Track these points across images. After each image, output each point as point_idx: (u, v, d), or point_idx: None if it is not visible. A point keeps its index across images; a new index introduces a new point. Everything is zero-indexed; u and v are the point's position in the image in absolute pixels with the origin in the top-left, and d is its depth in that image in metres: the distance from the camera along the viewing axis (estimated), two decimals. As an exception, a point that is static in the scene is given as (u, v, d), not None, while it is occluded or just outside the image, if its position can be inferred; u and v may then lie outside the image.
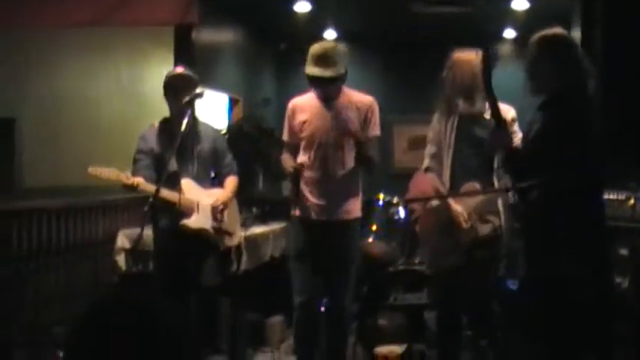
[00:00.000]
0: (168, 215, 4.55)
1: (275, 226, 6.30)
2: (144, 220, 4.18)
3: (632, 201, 4.30)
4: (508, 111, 4.28)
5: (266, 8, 8.01)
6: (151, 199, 4.16)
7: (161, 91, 4.63)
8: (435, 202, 4.59)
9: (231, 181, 4.87)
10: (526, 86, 3.55)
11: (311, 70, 4.43)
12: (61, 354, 4.56)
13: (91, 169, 4.36)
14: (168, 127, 4.62)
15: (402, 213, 5.63)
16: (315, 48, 4.46)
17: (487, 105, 4.27)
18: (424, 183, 5.83)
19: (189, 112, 4.44)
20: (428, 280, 5.29)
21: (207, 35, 7.41)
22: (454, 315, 4.59)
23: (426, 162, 4.62)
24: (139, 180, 4.37)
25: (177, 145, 4.37)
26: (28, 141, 7.63)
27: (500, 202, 4.38)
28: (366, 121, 4.56)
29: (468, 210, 4.38)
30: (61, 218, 5.40)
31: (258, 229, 5.93)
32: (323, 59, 4.40)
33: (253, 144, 6.94)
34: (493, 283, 4.42)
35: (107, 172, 4.36)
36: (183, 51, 6.39)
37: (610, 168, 3.61)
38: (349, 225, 4.62)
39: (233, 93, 8.26)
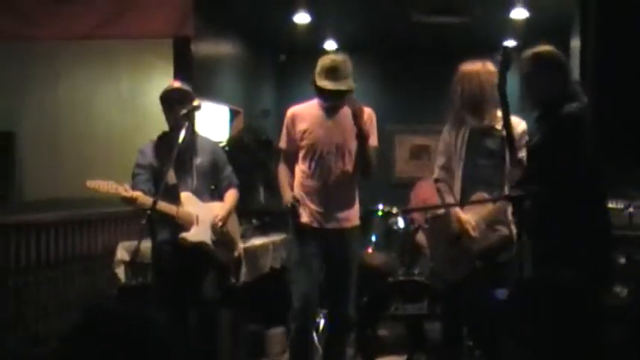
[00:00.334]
0: (167, 228, 4.56)
1: (275, 237, 6.29)
2: (141, 232, 4.18)
3: (630, 209, 4.30)
4: (519, 124, 4.28)
5: (265, 20, 8.04)
6: (148, 212, 4.17)
7: (161, 103, 4.66)
8: (442, 212, 4.61)
9: (230, 195, 4.87)
10: (523, 102, 3.62)
11: (323, 83, 4.43)
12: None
13: (89, 183, 4.37)
14: (166, 140, 4.63)
15: (401, 223, 5.62)
16: (325, 61, 4.47)
17: (496, 117, 4.31)
18: (425, 192, 5.86)
19: (186, 125, 4.44)
20: (428, 290, 5.28)
21: (207, 47, 7.43)
22: (459, 326, 4.59)
23: (436, 173, 4.65)
24: (137, 194, 4.38)
25: (174, 157, 4.38)
26: (27, 154, 7.64)
27: (510, 212, 4.37)
28: (366, 131, 4.54)
29: (476, 219, 4.38)
30: (59, 231, 5.42)
31: (257, 241, 5.92)
32: (334, 72, 4.42)
33: (253, 155, 6.94)
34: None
35: (105, 186, 4.37)
36: (183, 63, 6.41)
37: (608, 179, 3.62)
38: (349, 233, 4.63)
39: (233, 105, 8.27)
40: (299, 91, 8.88)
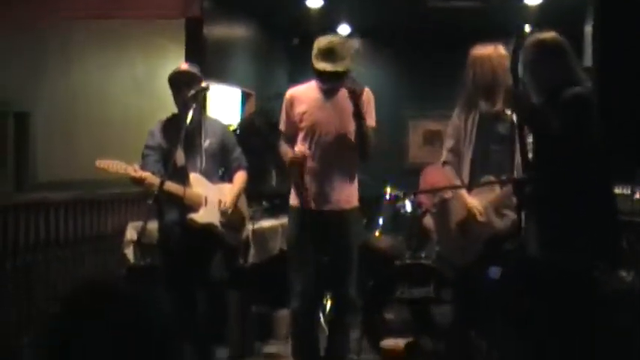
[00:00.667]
0: (176, 209, 4.59)
1: (285, 219, 6.27)
2: (148, 212, 4.21)
3: (637, 195, 4.29)
4: None
5: (278, 3, 8.03)
6: (155, 192, 4.20)
7: (176, 86, 4.68)
8: (451, 198, 4.61)
9: (240, 176, 4.89)
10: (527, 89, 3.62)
11: (321, 65, 4.40)
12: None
13: (99, 162, 4.41)
14: (175, 122, 4.66)
15: (408, 207, 5.62)
16: (321, 42, 4.43)
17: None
18: (433, 177, 5.85)
19: (194, 106, 4.46)
20: (434, 274, 5.28)
21: (220, 30, 7.44)
22: (467, 310, 4.60)
23: (444, 155, 4.64)
24: (146, 174, 4.41)
25: (182, 139, 4.41)
26: (42, 135, 7.70)
27: None
28: (364, 112, 4.54)
29: (484, 204, 4.39)
30: (69, 211, 5.46)
31: (267, 223, 5.94)
32: (331, 53, 4.38)
33: (264, 138, 6.95)
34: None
35: (115, 166, 4.40)
36: (194, 46, 6.42)
37: (615, 163, 3.62)
38: (349, 214, 4.63)
39: (246, 87, 8.28)
40: (311, 75, 8.90)
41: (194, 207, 4.60)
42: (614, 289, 4.02)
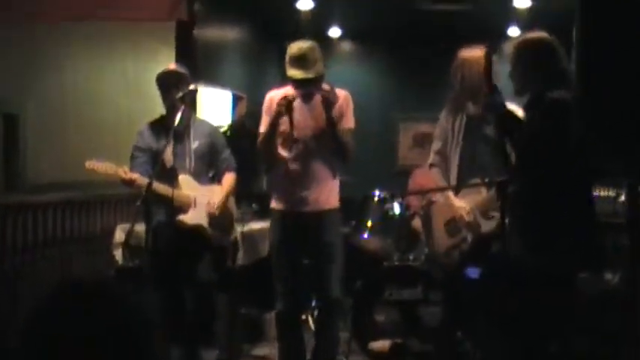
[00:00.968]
0: (164, 211, 4.60)
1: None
2: (136, 214, 4.22)
3: (621, 198, 4.31)
4: (517, 111, 4.28)
5: (269, 5, 8.05)
6: (144, 194, 4.21)
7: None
8: (438, 200, 4.63)
9: (229, 178, 4.90)
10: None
11: (291, 72, 4.40)
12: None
13: (88, 164, 4.42)
14: (164, 123, 4.68)
15: (397, 208, 5.64)
16: (292, 49, 4.43)
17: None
18: (422, 179, 5.88)
19: (182, 108, 4.48)
20: (423, 276, 5.31)
21: (211, 32, 7.45)
22: (456, 312, 4.62)
23: (431, 158, 4.67)
24: (135, 175, 4.42)
25: (170, 140, 4.42)
26: (32, 136, 7.70)
27: None
28: (341, 114, 4.56)
29: (471, 205, 4.41)
30: (57, 212, 5.47)
31: (256, 225, 5.94)
32: (302, 60, 4.37)
33: (254, 141, 6.95)
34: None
35: (104, 167, 4.41)
36: (185, 48, 6.42)
37: (598, 166, 3.63)
38: (330, 215, 4.63)
39: (237, 90, 8.29)
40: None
41: (183, 208, 4.61)
42: (599, 291, 4.05)
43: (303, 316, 5.48)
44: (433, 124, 4.83)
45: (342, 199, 4.73)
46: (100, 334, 1.59)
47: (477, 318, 4.13)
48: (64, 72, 7.82)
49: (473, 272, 4.08)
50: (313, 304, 5.60)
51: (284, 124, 4.55)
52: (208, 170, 4.89)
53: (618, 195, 4.43)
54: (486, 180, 4.23)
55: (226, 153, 4.96)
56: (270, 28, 9.11)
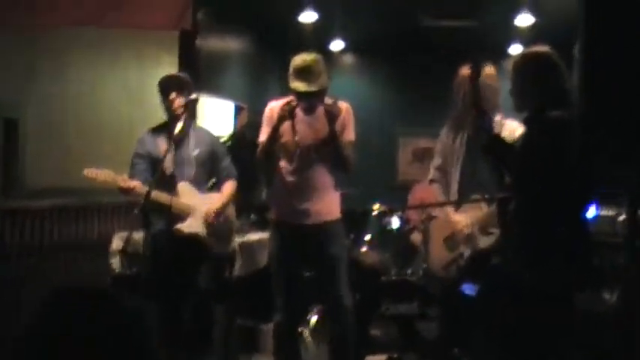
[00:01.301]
0: (163, 219, 4.59)
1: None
2: (134, 222, 4.21)
3: (621, 217, 4.31)
4: (517, 129, 4.27)
5: (273, 17, 8.06)
6: (142, 202, 4.20)
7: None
8: (437, 215, 4.63)
9: (228, 186, 4.89)
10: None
11: (295, 84, 4.41)
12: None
13: (87, 172, 4.40)
14: (164, 130, 4.67)
15: (395, 223, 5.63)
16: (296, 61, 4.44)
17: (498, 121, 4.34)
18: (422, 194, 5.88)
19: (184, 116, 4.48)
20: (420, 291, 5.30)
21: (214, 42, 7.46)
22: (454, 327, 4.61)
23: (431, 173, 4.68)
24: (135, 183, 4.41)
25: (171, 148, 4.42)
26: (32, 142, 7.68)
27: None
28: (342, 127, 4.56)
29: (470, 221, 4.41)
30: (54, 219, 5.47)
31: (254, 236, 5.94)
32: (306, 73, 4.38)
33: (255, 151, 6.95)
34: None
35: (103, 175, 4.40)
36: (187, 57, 6.43)
37: (597, 185, 3.62)
38: (330, 226, 4.63)
39: (238, 100, 8.30)
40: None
41: (181, 216, 4.60)
42: (597, 310, 4.04)
43: (300, 329, 5.46)
44: (433, 139, 4.84)
45: (341, 213, 4.72)
46: (98, 340, 1.58)
47: (474, 334, 4.12)
48: (66, 78, 7.81)
49: (469, 289, 4.07)
50: (309, 317, 5.58)
51: (286, 135, 4.54)
52: (208, 178, 4.88)
53: (618, 214, 4.43)
54: (487, 196, 4.23)
55: (227, 161, 4.96)
56: (273, 40, 9.13)
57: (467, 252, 4.41)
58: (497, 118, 4.41)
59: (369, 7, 7.81)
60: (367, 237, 5.72)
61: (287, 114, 4.44)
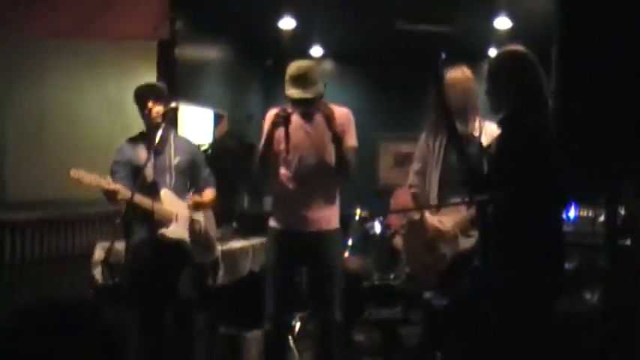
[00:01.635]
0: (146, 227, 4.57)
1: (255, 240, 6.30)
2: (115, 232, 4.20)
3: (601, 218, 4.34)
4: (496, 130, 4.28)
5: (251, 24, 8.07)
6: (124, 209, 4.18)
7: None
8: (416, 218, 4.64)
9: (208, 192, 4.90)
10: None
11: (290, 92, 4.39)
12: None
13: (73, 172, 4.38)
14: (143, 139, 4.66)
15: (377, 228, 5.65)
16: (291, 68, 4.42)
17: (477, 124, 4.36)
18: (404, 199, 5.90)
19: (163, 125, 4.47)
20: (402, 295, 5.32)
21: (193, 51, 7.46)
22: (436, 331, 4.62)
23: (411, 178, 4.69)
24: (119, 186, 4.39)
25: (151, 156, 4.42)
26: (11, 153, 7.63)
27: None
28: (343, 132, 4.54)
29: (450, 224, 4.42)
30: (35, 231, 5.43)
31: (237, 244, 5.94)
32: (301, 80, 4.36)
33: (235, 159, 6.96)
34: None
35: (88, 177, 4.37)
36: (166, 67, 6.43)
37: (577, 186, 3.62)
38: (330, 234, 4.61)
39: (218, 108, 8.30)
40: (285, 97, 8.93)
41: (165, 222, 4.59)
42: (577, 311, 4.06)
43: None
44: (414, 144, 4.86)
45: None
46: (74, 354, 1.58)
47: (457, 338, 4.13)
48: (44, 89, 7.76)
49: (436, 299, 4.09)
50: (292, 323, 5.59)
51: (283, 142, 4.53)
52: (189, 187, 4.87)
53: (597, 215, 4.46)
54: (466, 199, 4.25)
55: (206, 172, 4.96)
56: (252, 47, 9.15)
57: (447, 255, 4.42)
58: (475, 120, 4.43)
59: (348, 13, 7.84)
60: (349, 242, 5.73)
61: (280, 121, 4.43)
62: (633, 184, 3.40)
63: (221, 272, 5.36)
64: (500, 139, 3.53)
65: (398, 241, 5.68)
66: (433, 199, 4.52)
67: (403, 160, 9.27)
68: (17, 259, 5.29)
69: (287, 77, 4.41)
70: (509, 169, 3.34)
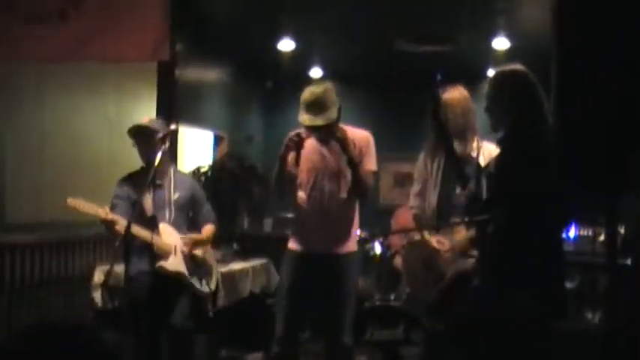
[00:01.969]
0: (145, 258, 4.56)
1: (255, 262, 6.30)
2: (115, 255, 4.18)
3: (601, 237, 4.33)
4: (494, 151, 4.28)
5: (251, 46, 8.10)
6: (122, 235, 4.17)
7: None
8: (417, 239, 4.63)
9: (208, 228, 4.90)
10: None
11: (302, 117, 4.34)
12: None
13: (70, 201, 4.38)
14: (143, 174, 4.64)
15: (378, 248, 5.63)
16: (305, 94, 4.37)
17: (475, 144, 4.36)
18: (404, 219, 5.90)
19: (162, 147, 4.47)
20: (404, 316, 5.29)
21: (193, 73, 7.48)
22: (438, 351, 4.58)
23: (411, 200, 4.67)
24: (116, 217, 4.38)
25: (150, 190, 4.44)
26: (11, 176, 7.64)
27: None
28: (361, 156, 4.53)
29: (449, 244, 4.41)
30: (35, 253, 5.43)
31: (237, 266, 5.93)
32: (314, 105, 4.31)
33: (235, 181, 6.97)
34: None
35: (86, 206, 4.37)
36: (166, 88, 6.44)
37: (577, 206, 3.62)
38: (344, 259, 4.56)
39: (218, 130, 8.31)
40: (285, 118, 8.96)
41: (164, 255, 4.58)
42: (578, 330, 4.04)
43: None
44: (414, 164, 4.85)
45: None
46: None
47: (457, 358, 4.11)
48: (44, 111, 7.77)
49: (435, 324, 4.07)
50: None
51: (301, 165, 4.51)
52: (187, 223, 4.86)
53: (597, 234, 4.45)
54: (466, 219, 4.24)
55: (207, 207, 4.98)
56: (252, 69, 9.18)
57: (447, 275, 4.41)
58: (473, 140, 4.43)
59: (347, 34, 7.87)
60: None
61: (293, 144, 4.42)
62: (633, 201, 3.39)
63: (221, 294, 5.33)
64: (499, 158, 3.53)
65: (398, 261, 5.67)
66: (432, 220, 4.50)
67: (403, 180, 9.27)
68: (16, 282, 5.27)
69: (301, 101, 4.36)
70: (509, 188, 3.33)
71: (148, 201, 4.56)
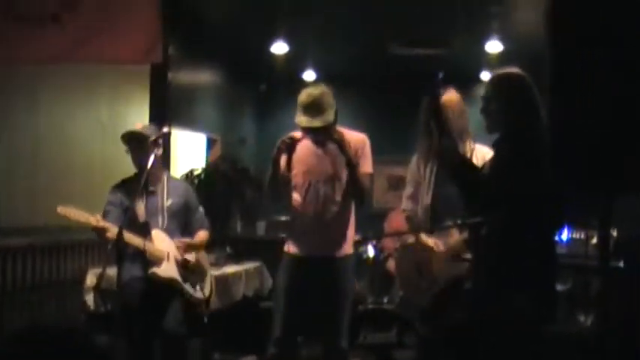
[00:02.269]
0: (138, 265, 4.55)
1: (248, 265, 6.29)
2: (107, 258, 4.17)
3: (593, 241, 4.34)
4: (488, 153, 4.28)
5: (244, 49, 8.11)
6: (114, 240, 4.16)
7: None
8: (410, 242, 4.62)
9: (201, 234, 4.89)
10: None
11: (299, 119, 4.33)
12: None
13: (60, 209, 4.35)
14: (136, 181, 4.63)
15: (371, 252, 5.63)
16: (302, 96, 4.36)
17: (468, 146, 4.36)
18: (397, 222, 5.89)
19: (155, 151, 4.46)
20: (397, 319, 5.29)
21: (186, 75, 7.48)
22: (430, 354, 4.58)
23: (404, 203, 4.66)
24: (108, 224, 4.34)
25: (142, 197, 4.43)
26: (3, 180, 7.62)
27: None
28: (357, 158, 4.50)
29: (443, 247, 4.41)
30: (27, 257, 5.42)
31: (230, 269, 5.92)
32: (311, 107, 4.30)
33: (228, 183, 6.97)
34: None
35: (76, 214, 4.35)
36: (159, 91, 6.44)
37: (570, 209, 3.62)
38: (341, 262, 4.55)
39: (211, 133, 8.31)
40: (278, 121, 8.96)
41: (156, 262, 4.56)
42: (570, 332, 4.05)
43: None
44: (407, 167, 4.84)
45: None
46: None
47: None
48: (37, 114, 7.75)
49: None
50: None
51: (296, 168, 4.50)
52: (180, 229, 4.84)
53: (590, 237, 4.46)
54: (459, 222, 4.23)
55: (200, 213, 4.96)
56: (245, 71, 9.18)
57: (441, 277, 4.40)
58: (467, 142, 4.43)
59: (340, 36, 7.88)
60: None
61: (285, 147, 4.41)
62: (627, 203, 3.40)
63: (214, 298, 5.31)
64: (494, 160, 3.54)
65: (391, 264, 5.66)
66: (426, 222, 4.50)
67: (397, 183, 9.27)
68: (9, 285, 5.25)
69: (298, 103, 4.36)
70: (504, 190, 3.33)
71: (140, 207, 4.55)
